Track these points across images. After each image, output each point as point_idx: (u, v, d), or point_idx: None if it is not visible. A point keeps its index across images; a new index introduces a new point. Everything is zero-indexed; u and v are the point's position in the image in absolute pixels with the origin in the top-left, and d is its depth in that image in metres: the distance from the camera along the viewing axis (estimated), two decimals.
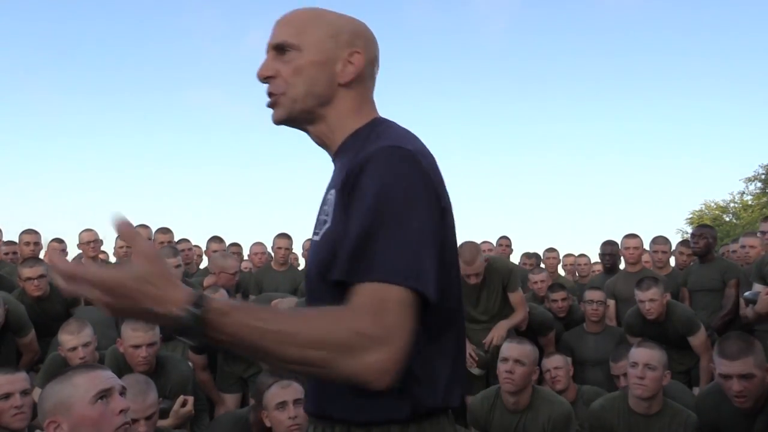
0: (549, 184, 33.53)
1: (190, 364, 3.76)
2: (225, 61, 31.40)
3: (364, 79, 1.20)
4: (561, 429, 2.96)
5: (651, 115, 33.65)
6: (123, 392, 1.78)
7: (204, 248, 5.80)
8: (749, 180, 24.55)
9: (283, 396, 2.73)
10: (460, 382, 1.12)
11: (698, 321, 4.02)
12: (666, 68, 32.52)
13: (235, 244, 6.04)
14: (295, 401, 2.74)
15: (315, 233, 1.13)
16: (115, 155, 27.99)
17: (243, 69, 32.57)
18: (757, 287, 3.81)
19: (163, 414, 2.93)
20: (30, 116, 28.38)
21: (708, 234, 4.69)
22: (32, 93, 28.16)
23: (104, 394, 1.66)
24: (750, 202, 24.34)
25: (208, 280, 4.61)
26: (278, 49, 1.16)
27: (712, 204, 25.48)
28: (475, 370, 3.76)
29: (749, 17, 30.16)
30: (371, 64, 1.21)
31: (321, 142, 1.22)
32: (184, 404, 2.98)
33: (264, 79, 1.17)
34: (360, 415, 1.05)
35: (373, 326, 0.94)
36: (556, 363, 3.59)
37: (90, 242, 5.15)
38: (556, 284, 5.10)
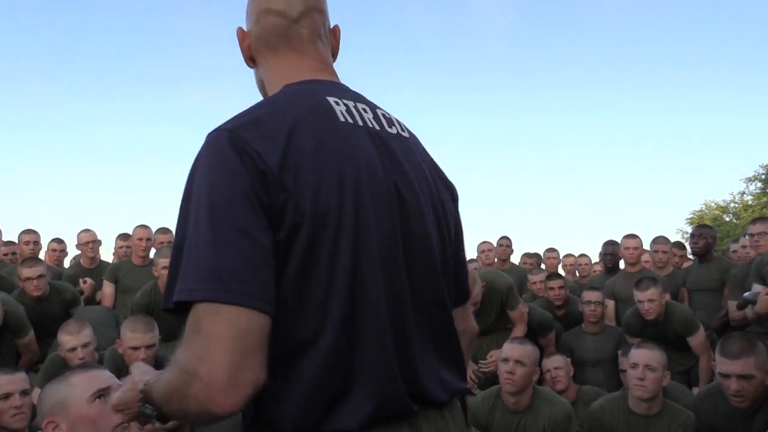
0: (549, 184, 33.54)
1: None
2: (223, 60, 31.44)
3: (263, 47, 1.12)
4: (562, 429, 2.96)
5: (651, 115, 33.69)
6: None
7: None
8: (749, 180, 24.56)
9: None
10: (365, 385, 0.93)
11: (697, 321, 4.02)
12: (666, 68, 32.54)
13: None
14: None
15: None
16: (114, 156, 28.01)
17: (239, 70, 32.55)
18: (757, 287, 3.81)
19: (164, 420, 2.92)
20: (29, 117, 28.39)
21: (707, 234, 4.69)
22: (32, 94, 28.16)
23: (102, 393, 1.66)
24: (750, 202, 24.33)
25: None
26: None
27: (713, 204, 25.49)
28: (476, 392, 3.77)
29: (749, 17, 30.18)
30: (263, 23, 1.11)
31: None
32: None
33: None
34: None
35: (188, 353, 0.85)
36: (557, 363, 3.59)
37: (89, 242, 5.16)
38: (553, 273, 5.12)
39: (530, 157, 33.52)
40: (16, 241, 5.20)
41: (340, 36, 1.19)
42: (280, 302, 0.88)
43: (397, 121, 1.13)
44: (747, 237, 4.51)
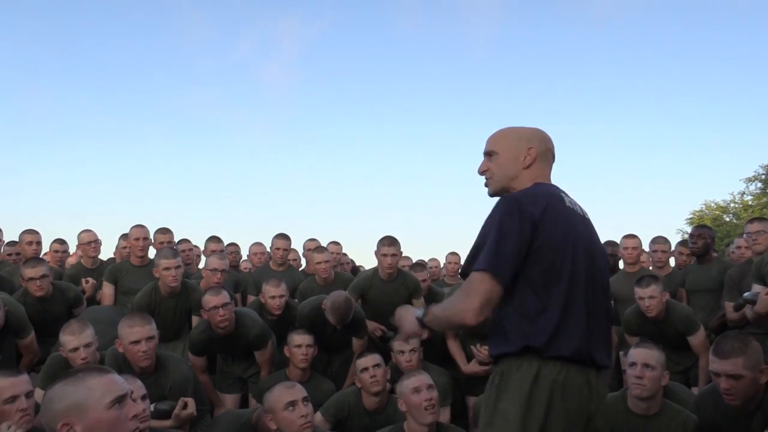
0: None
1: (190, 364, 3.75)
2: (216, 64, 31.45)
3: (538, 162, 2.05)
4: None
5: (651, 115, 33.67)
6: (131, 397, 1.79)
7: (202, 248, 5.82)
8: (749, 180, 24.56)
9: (292, 395, 2.72)
10: (572, 336, 1.86)
11: (698, 320, 4.01)
12: (665, 69, 32.52)
13: (233, 244, 6.05)
14: (304, 399, 2.73)
15: None
16: (112, 156, 27.98)
17: (235, 74, 32.57)
18: (757, 288, 3.81)
19: (165, 415, 2.92)
20: (28, 118, 28.37)
21: (707, 234, 4.69)
22: (30, 95, 28.15)
23: (120, 400, 1.66)
24: (750, 203, 24.32)
25: (202, 282, 4.64)
26: (487, 154, 2.10)
27: (713, 204, 25.47)
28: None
29: (749, 17, 30.16)
30: (543, 153, 2.08)
31: None
32: (185, 407, 2.97)
33: (481, 173, 2.12)
34: (498, 351, 1.92)
35: (463, 294, 1.88)
36: None
37: (90, 242, 5.17)
38: None
39: None
40: (18, 241, 5.21)
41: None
42: (536, 287, 1.87)
43: (581, 207, 2.10)
44: (744, 236, 4.52)
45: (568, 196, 2.07)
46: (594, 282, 1.94)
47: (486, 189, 2.12)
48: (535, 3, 32.96)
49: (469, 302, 1.82)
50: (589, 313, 1.89)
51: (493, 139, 2.11)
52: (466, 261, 1.93)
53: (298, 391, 2.75)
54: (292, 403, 2.70)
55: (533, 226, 1.84)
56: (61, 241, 5.52)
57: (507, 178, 2.06)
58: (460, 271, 2.06)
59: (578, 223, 1.98)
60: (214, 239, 5.67)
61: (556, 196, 1.98)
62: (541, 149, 2.07)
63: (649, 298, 3.87)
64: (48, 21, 28.00)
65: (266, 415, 2.77)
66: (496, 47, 32.85)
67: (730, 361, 2.43)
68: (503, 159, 2.06)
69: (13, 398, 2.44)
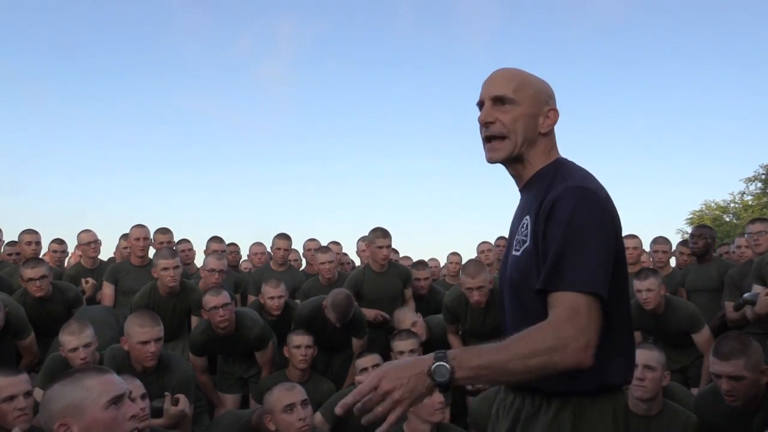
0: None
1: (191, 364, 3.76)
2: (214, 65, 31.46)
3: (553, 130, 1.55)
4: None
5: (651, 115, 33.66)
6: (130, 396, 1.79)
7: (203, 248, 5.81)
8: (749, 180, 24.56)
9: (291, 398, 2.71)
10: (631, 363, 1.53)
11: (702, 319, 4.01)
12: (665, 69, 32.51)
13: (233, 244, 6.05)
14: (303, 402, 2.73)
15: (516, 249, 1.51)
16: (112, 156, 27.99)
17: (233, 74, 32.57)
18: (757, 288, 3.81)
19: (158, 413, 2.91)
20: (28, 118, 28.38)
21: (707, 234, 4.70)
22: (29, 95, 28.17)
23: (117, 400, 1.66)
24: (750, 203, 24.32)
25: (201, 283, 4.64)
26: (497, 100, 1.50)
27: (713, 204, 25.47)
28: None
29: (749, 17, 30.16)
30: (558, 118, 1.56)
31: (515, 175, 1.58)
32: (176, 403, 2.96)
33: (486, 123, 1.51)
34: (560, 387, 1.43)
35: (571, 328, 1.31)
36: None
37: (90, 243, 5.17)
38: None
39: None
40: (18, 242, 5.21)
41: None
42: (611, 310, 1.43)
43: None
44: (745, 237, 4.52)
45: None
46: None
47: (486, 151, 1.54)
48: (533, 2, 32.95)
49: (584, 340, 1.30)
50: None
51: (508, 80, 1.51)
52: (547, 272, 1.37)
53: (298, 394, 2.75)
54: (291, 406, 2.69)
55: (616, 232, 1.44)
56: (59, 241, 5.51)
57: (524, 142, 1.51)
58: (539, 286, 1.41)
59: None
60: (216, 239, 5.67)
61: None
62: (558, 114, 1.57)
63: (647, 290, 3.88)
64: (47, 21, 28.02)
65: (265, 416, 2.77)
66: (493, 48, 32.84)
67: (731, 363, 2.42)
68: (523, 113, 1.49)
69: (11, 397, 2.44)
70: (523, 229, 1.49)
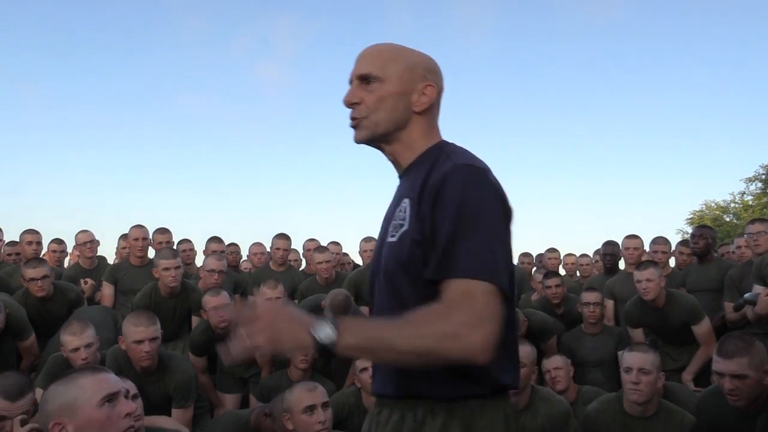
0: (549, 184, 33.53)
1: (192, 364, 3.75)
2: (212, 66, 31.45)
3: (434, 107, 1.40)
4: (559, 427, 2.96)
5: (651, 115, 33.67)
6: (127, 395, 1.78)
7: (203, 248, 5.81)
8: (750, 180, 24.55)
9: (312, 400, 2.68)
10: (519, 364, 1.36)
11: (702, 311, 4.02)
12: (665, 68, 32.50)
13: (233, 244, 6.05)
14: (323, 404, 2.71)
15: (392, 235, 1.33)
16: (110, 156, 27.99)
17: (232, 73, 32.53)
18: (757, 288, 3.81)
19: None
20: (27, 118, 28.39)
21: (708, 234, 4.70)
22: (28, 94, 28.17)
23: (111, 398, 1.66)
24: (750, 203, 24.31)
25: (200, 283, 4.64)
26: (363, 79, 1.36)
27: (713, 204, 25.46)
28: None
29: (749, 17, 30.17)
30: (440, 95, 1.42)
31: (393, 160, 1.43)
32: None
33: (350, 104, 1.38)
34: (446, 392, 1.26)
35: (466, 315, 1.15)
36: (556, 363, 3.59)
37: (86, 243, 5.17)
38: (551, 271, 5.13)
39: (530, 157, 33.52)
40: (18, 241, 5.20)
41: None
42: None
43: None
44: (745, 237, 4.52)
45: None
46: None
47: (353, 131, 1.40)
48: (530, 2, 32.95)
49: (479, 329, 1.14)
50: None
51: (375, 57, 1.38)
52: (438, 258, 1.21)
53: (319, 395, 2.71)
54: (312, 408, 2.66)
55: (509, 219, 1.30)
56: (59, 241, 5.51)
57: (392, 123, 1.36)
58: (429, 276, 1.22)
59: None
60: (215, 240, 5.67)
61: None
62: (440, 90, 1.41)
63: (647, 280, 3.90)
64: (45, 21, 28.01)
65: (284, 414, 2.73)
66: (490, 47, 32.86)
67: (735, 361, 2.42)
68: (390, 91, 1.35)
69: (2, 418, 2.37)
70: (400, 213, 1.32)
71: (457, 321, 1.14)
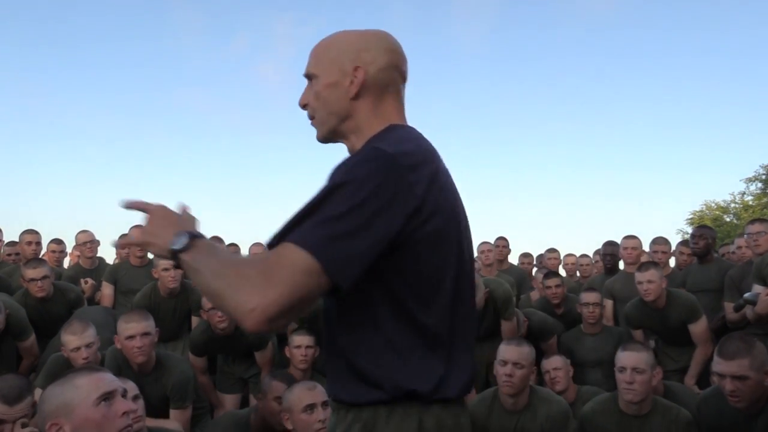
0: (549, 184, 33.53)
1: (190, 364, 3.75)
2: (212, 63, 31.44)
3: (375, 88, 1.29)
4: (559, 427, 2.97)
5: (651, 115, 33.68)
6: (125, 394, 1.78)
7: None
8: (750, 180, 24.52)
9: (312, 398, 2.68)
10: (463, 375, 1.21)
11: (701, 309, 4.03)
12: (665, 68, 32.51)
13: (233, 245, 6.05)
14: (323, 403, 2.72)
15: None
16: (109, 156, 27.99)
17: (230, 73, 32.55)
18: (757, 288, 3.81)
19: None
20: (27, 118, 28.39)
21: (708, 235, 4.71)
22: (26, 95, 28.18)
23: (107, 397, 1.66)
24: (751, 203, 24.29)
25: None
26: (307, 78, 1.34)
27: (713, 204, 25.44)
28: None
29: (749, 16, 30.17)
30: (384, 71, 1.29)
31: (352, 153, 1.32)
32: None
33: (302, 107, 1.35)
34: (351, 396, 1.18)
35: (261, 274, 1.03)
36: (555, 364, 3.60)
37: (86, 243, 5.17)
38: (551, 272, 5.14)
39: (530, 157, 33.52)
40: (18, 241, 5.20)
41: None
42: (413, 304, 1.19)
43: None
44: (745, 237, 4.52)
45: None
46: (469, 289, 1.28)
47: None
48: (530, 0, 32.94)
49: (263, 290, 1.02)
50: (467, 328, 1.26)
51: (311, 54, 1.34)
52: (285, 226, 1.11)
53: (319, 395, 2.71)
54: (312, 407, 2.66)
55: (415, 209, 1.12)
56: (58, 241, 5.50)
57: (334, 117, 1.30)
58: (268, 241, 1.13)
59: (458, 198, 1.29)
60: (215, 239, 5.67)
61: (433, 152, 1.25)
62: (381, 66, 1.29)
63: (648, 282, 3.91)
64: (43, 20, 28.02)
65: (283, 414, 2.74)
66: (490, 43, 32.86)
67: (736, 362, 2.42)
68: (322, 85, 1.30)
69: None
70: None
71: (249, 275, 1.04)
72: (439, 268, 1.17)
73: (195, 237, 1.14)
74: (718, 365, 2.48)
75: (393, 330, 1.15)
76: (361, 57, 1.28)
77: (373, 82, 1.28)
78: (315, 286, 1.03)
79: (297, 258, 1.03)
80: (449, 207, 1.20)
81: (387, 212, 1.08)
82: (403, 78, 1.34)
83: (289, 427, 2.70)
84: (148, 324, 3.17)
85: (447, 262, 1.19)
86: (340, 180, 1.09)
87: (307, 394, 2.69)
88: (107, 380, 1.70)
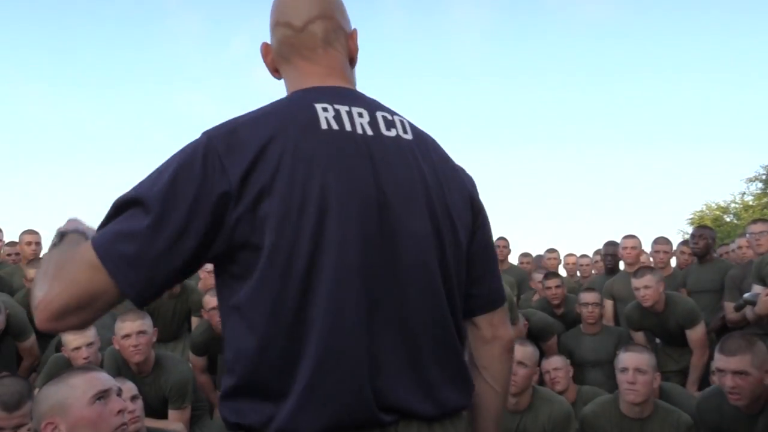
0: (549, 184, 33.54)
1: (190, 364, 3.76)
2: (210, 66, 31.44)
3: (276, 56, 1.19)
4: (561, 428, 2.96)
5: (651, 115, 33.67)
6: (119, 393, 1.78)
7: None
8: (750, 180, 24.50)
9: None
10: (328, 397, 0.96)
11: (700, 315, 4.02)
12: (665, 68, 32.51)
13: None
14: None
15: None
16: (108, 156, 28.01)
17: (228, 73, 32.54)
18: (757, 288, 3.81)
19: None
20: (26, 118, 28.41)
21: (708, 235, 4.71)
22: (25, 94, 28.18)
23: (102, 395, 1.66)
24: (751, 203, 24.27)
25: (200, 284, 4.64)
26: None
27: (713, 204, 25.45)
28: None
29: (750, 16, 30.16)
30: (276, 35, 1.17)
31: None
32: None
33: None
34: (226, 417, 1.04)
35: (56, 267, 0.97)
36: (556, 364, 3.60)
37: None
38: (551, 272, 5.15)
39: (530, 157, 33.53)
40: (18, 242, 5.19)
41: (357, 39, 1.22)
42: (244, 303, 1.00)
43: (402, 123, 1.14)
44: (747, 237, 4.52)
45: (346, 105, 1.08)
46: (397, 274, 1.02)
47: None
48: (526, 2, 32.94)
49: (50, 284, 0.96)
50: (364, 333, 0.99)
51: None
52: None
53: None
54: None
55: (221, 192, 0.96)
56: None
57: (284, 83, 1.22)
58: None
59: (347, 162, 1.02)
60: None
61: (296, 115, 1.03)
62: (273, 31, 1.18)
63: (644, 287, 3.91)
64: (42, 21, 28.04)
65: None
66: (486, 48, 32.86)
67: (737, 358, 2.42)
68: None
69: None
70: None
71: (48, 269, 0.98)
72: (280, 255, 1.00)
73: (65, 233, 1.06)
74: (719, 361, 2.48)
75: None
76: (276, 23, 1.18)
77: (273, 53, 1.19)
78: (100, 280, 0.95)
79: (87, 253, 0.96)
80: (301, 177, 0.98)
81: (196, 198, 0.97)
82: (295, 29, 1.15)
83: None
84: (144, 322, 3.17)
85: (296, 249, 0.99)
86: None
87: None
88: (102, 379, 1.71)
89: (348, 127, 1.05)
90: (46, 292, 0.95)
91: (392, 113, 1.14)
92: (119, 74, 29.36)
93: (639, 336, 4.21)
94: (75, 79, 29.01)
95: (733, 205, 25.08)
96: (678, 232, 24.48)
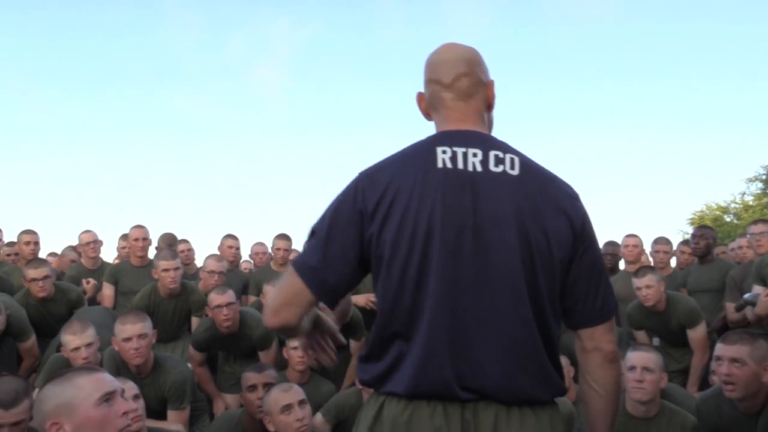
0: None
1: (189, 364, 3.76)
2: (208, 67, 31.41)
3: (431, 107, 1.50)
4: (564, 428, 2.96)
5: (651, 115, 33.67)
6: (123, 394, 1.79)
7: (218, 245, 5.78)
8: (750, 180, 24.49)
9: (288, 399, 2.72)
10: (409, 366, 1.32)
11: (702, 314, 4.03)
12: (665, 69, 32.51)
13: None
14: (300, 402, 2.75)
15: None
16: (107, 156, 27.96)
17: (226, 74, 32.53)
18: (757, 289, 3.82)
19: None
20: (26, 118, 28.40)
21: (708, 235, 4.72)
22: (23, 95, 28.17)
23: (108, 397, 1.66)
24: (751, 203, 24.27)
25: (200, 284, 4.65)
26: None
27: (713, 204, 25.44)
28: None
29: (750, 16, 30.16)
30: (429, 91, 1.49)
31: None
32: None
33: None
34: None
35: (274, 290, 1.42)
36: None
37: (89, 243, 5.17)
38: None
39: (531, 156, 33.42)
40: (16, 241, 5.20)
41: (494, 88, 1.51)
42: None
43: (512, 160, 1.38)
44: (747, 237, 4.53)
45: (464, 147, 1.37)
46: (487, 279, 1.31)
47: None
48: (523, 5, 32.93)
49: (273, 300, 1.40)
50: (455, 327, 1.30)
51: None
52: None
53: (294, 394, 2.76)
54: (288, 407, 2.71)
55: (361, 214, 1.35)
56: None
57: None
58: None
59: (452, 196, 1.33)
60: (230, 237, 5.66)
61: (413, 162, 1.37)
62: (426, 87, 1.51)
63: (646, 287, 3.92)
64: (41, 20, 28.01)
65: (265, 417, 2.79)
66: (486, 49, 32.66)
67: (736, 346, 2.43)
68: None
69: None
70: None
71: (273, 291, 1.42)
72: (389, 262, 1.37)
73: None
74: (718, 350, 2.49)
75: None
76: (424, 86, 1.52)
77: (427, 106, 1.51)
78: (300, 288, 1.38)
79: (290, 275, 1.39)
80: (415, 206, 1.34)
81: (342, 221, 1.38)
82: (443, 85, 1.46)
83: (272, 429, 2.75)
84: (144, 325, 3.17)
85: (397, 256, 1.37)
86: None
87: (283, 395, 2.73)
88: (107, 380, 1.71)
89: (460, 166, 1.35)
90: (268, 309, 1.39)
91: (506, 151, 1.39)
92: (118, 74, 29.29)
93: (641, 335, 4.21)
94: (73, 79, 28.96)
95: (733, 205, 25.08)
96: (678, 232, 24.47)
